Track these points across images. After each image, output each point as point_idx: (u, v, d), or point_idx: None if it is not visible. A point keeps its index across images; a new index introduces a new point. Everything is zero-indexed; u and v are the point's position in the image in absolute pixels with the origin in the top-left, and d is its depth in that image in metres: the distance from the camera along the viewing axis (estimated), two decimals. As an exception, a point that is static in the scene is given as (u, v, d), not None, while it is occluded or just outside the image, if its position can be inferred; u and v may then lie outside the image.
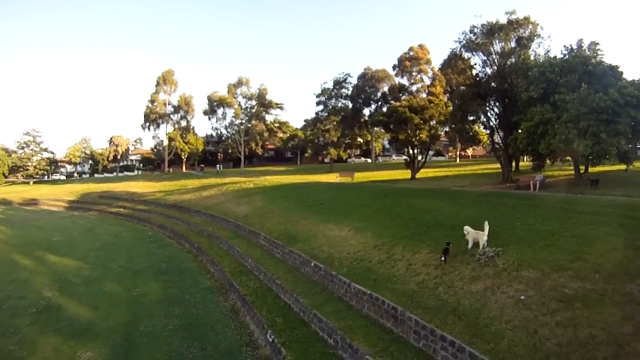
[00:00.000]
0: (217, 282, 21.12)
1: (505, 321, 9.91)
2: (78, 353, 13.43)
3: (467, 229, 14.70)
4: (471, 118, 37.98)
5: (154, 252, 27.27)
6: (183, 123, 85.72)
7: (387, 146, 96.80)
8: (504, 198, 21.08)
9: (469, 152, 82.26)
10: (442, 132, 49.71)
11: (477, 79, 35.74)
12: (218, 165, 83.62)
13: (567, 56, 27.46)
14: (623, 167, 25.47)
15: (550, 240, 13.29)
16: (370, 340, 11.59)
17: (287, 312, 15.23)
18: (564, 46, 28.52)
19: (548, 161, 28.47)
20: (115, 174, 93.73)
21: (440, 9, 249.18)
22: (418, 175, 44.26)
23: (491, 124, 35.78)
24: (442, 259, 13.96)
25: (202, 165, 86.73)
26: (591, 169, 28.80)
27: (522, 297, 10.56)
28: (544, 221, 15.32)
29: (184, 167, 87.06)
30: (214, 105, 78.41)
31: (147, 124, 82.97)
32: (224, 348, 14.01)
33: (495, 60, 33.95)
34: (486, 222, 14.34)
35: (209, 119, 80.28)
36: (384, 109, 51.10)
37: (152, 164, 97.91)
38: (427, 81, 52.87)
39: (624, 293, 9.43)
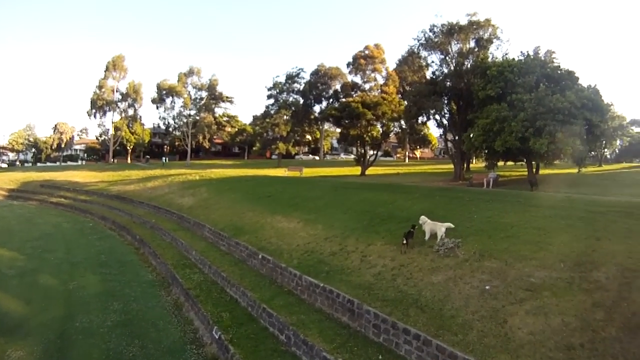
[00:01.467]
0: (159, 275, 20.55)
1: (472, 312, 9.64)
2: (7, 352, 12.45)
3: (424, 218, 14.59)
4: (423, 118, 38.99)
5: (94, 244, 26.75)
6: (130, 112, 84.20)
7: (336, 145, 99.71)
8: (458, 193, 21.70)
9: (417, 153, 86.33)
10: (394, 129, 50.72)
11: (434, 77, 36.67)
12: (164, 158, 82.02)
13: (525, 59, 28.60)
14: (574, 170, 27.08)
15: (510, 232, 13.42)
16: (326, 335, 10.97)
17: (234, 306, 14.65)
18: (521, 52, 30.05)
19: (501, 162, 29.53)
20: (58, 163, 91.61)
21: (400, 12, 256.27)
22: (368, 172, 45.09)
23: (445, 122, 36.64)
24: (404, 242, 13.71)
25: (148, 157, 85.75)
26: (542, 171, 30.46)
27: (487, 287, 10.39)
28: (501, 214, 15.60)
29: (129, 159, 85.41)
30: (163, 94, 77.55)
31: (94, 110, 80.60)
32: (167, 346, 13.31)
33: (453, 60, 34.85)
34: (449, 223, 14.28)
35: (157, 107, 79.41)
36: (336, 105, 51.70)
37: (97, 154, 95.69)
38: (381, 80, 54.58)
39: (591, 281, 9.50)
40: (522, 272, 10.55)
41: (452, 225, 14.12)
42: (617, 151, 62.39)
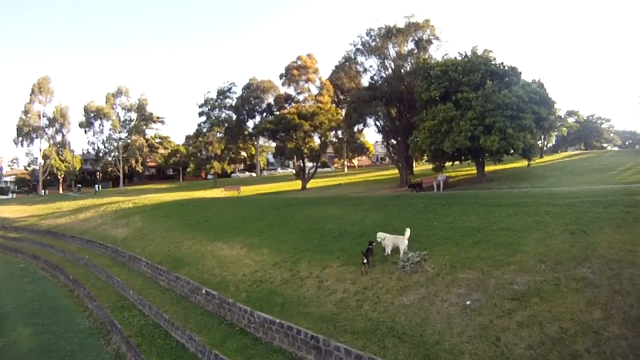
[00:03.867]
0: (96, 321, 19.67)
1: (458, 333, 9.04)
2: None
3: (382, 235, 14.09)
4: (362, 126, 39.31)
5: (25, 289, 26.02)
6: (58, 138, 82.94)
7: (272, 160, 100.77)
8: (410, 200, 21.64)
9: (355, 162, 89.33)
10: (332, 139, 51.22)
11: (373, 81, 37.22)
12: (96, 185, 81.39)
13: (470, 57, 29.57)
14: (521, 164, 28.15)
15: (478, 236, 13.25)
16: (292, 381, 10.09)
17: (181, 354, 13.79)
18: (459, 52, 30.94)
19: (448, 163, 30.12)
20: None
21: (335, 20, 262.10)
22: (309, 185, 45.05)
23: (386, 127, 36.99)
24: (365, 261, 13.09)
25: (80, 186, 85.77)
26: (490, 167, 31.47)
27: (468, 302, 9.88)
28: (463, 218, 15.52)
29: (60, 189, 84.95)
30: (91, 117, 77.13)
31: (20, 138, 79.18)
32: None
33: (392, 63, 35.44)
34: (408, 229, 13.98)
35: (86, 132, 78.98)
36: (271, 118, 51.69)
37: (28, 185, 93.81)
38: (315, 90, 55.50)
39: (578, 278, 9.32)
40: (503, 280, 10.21)
41: (409, 230, 13.83)
42: (554, 142, 68.11)
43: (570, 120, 68.00)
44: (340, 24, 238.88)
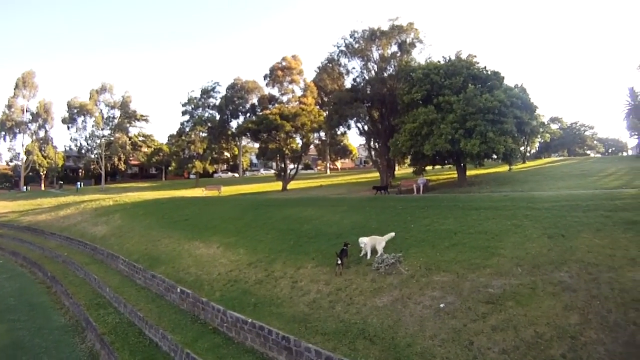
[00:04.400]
0: (72, 318, 19.37)
1: (430, 336, 8.72)
2: None
3: (364, 240, 13.71)
4: (345, 128, 39.12)
5: (3, 285, 25.88)
6: (41, 133, 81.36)
7: (255, 161, 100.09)
8: (389, 202, 21.59)
9: (338, 164, 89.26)
10: (314, 141, 51.04)
11: (355, 83, 36.93)
12: (78, 183, 79.68)
13: (452, 61, 29.51)
14: (502, 168, 28.11)
15: (455, 239, 13.04)
16: (262, 382, 9.81)
17: (154, 352, 13.52)
18: (443, 57, 30.74)
19: (429, 166, 30.00)
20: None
21: (321, 22, 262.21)
22: (290, 187, 44.53)
23: (368, 129, 36.79)
24: (339, 262, 12.90)
25: (62, 182, 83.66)
26: (472, 171, 31.43)
27: (441, 305, 9.61)
28: (441, 220, 15.35)
29: (42, 185, 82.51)
30: (74, 113, 76.61)
31: (3, 133, 77.55)
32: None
33: (375, 65, 35.24)
34: (392, 233, 13.98)
35: (68, 128, 78.44)
36: (253, 118, 51.42)
37: (10, 181, 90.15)
38: (299, 92, 55.63)
39: (555, 282, 9.08)
40: (478, 283, 9.95)
41: (393, 234, 13.69)
42: (537, 148, 68.59)
43: (554, 126, 68.59)
44: (327, 26, 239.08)
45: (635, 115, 62.88)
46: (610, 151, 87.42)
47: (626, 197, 14.37)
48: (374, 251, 13.27)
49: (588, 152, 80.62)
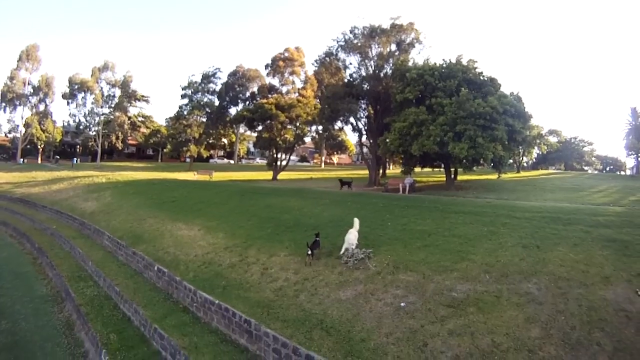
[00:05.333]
0: (53, 289, 19.53)
1: (386, 334, 8.40)
2: None
3: (353, 242, 13.07)
4: (340, 123, 39.03)
5: None
6: (41, 107, 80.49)
7: (252, 149, 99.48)
8: (372, 199, 21.48)
9: (335, 159, 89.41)
10: (309, 133, 51.03)
11: (351, 79, 36.66)
12: (75, 159, 79.19)
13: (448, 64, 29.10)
14: (494, 176, 27.82)
15: (428, 240, 12.73)
16: (220, 361, 9.57)
17: (126, 326, 13.69)
18: (443, 59, 30.27)
19: (419, 167, 29.73)
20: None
21: (324, 19, 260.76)
22: (281, 177, 44.47)
23: (360, 126, 36.56)
24: (309, 253, 12.76)
25: (58, 157, 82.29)
26: (462, 176, 31.18)
27: (402, 304, 9.29)
28: (418, 221, 15.08)
29: (39, 158, 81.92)
30: (75, 89, 76.55)
31: (3, 104, 76.77)
32: (52, 374, 12.35)
33: (372, 62, 34.88)
34: (356, 219, 13.63)
35: (68, 103, 78.47)
36: (250, 106, 51.23)
37: (7, 152, 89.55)
38: (299, 84, 54.85)
39: (521, 293, 8.72)
40: (443, 286, 9.62)
41: (357, 220, 13.51)
42: (535, 159, 68.20)
43: (552, 139, 67.45)
44: (331, 21, 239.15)
45: (635, 135, 62.70)
46: (608, 169, 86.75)
47: (610, 214, 13.99)
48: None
49: (585, 167, 79.81)
